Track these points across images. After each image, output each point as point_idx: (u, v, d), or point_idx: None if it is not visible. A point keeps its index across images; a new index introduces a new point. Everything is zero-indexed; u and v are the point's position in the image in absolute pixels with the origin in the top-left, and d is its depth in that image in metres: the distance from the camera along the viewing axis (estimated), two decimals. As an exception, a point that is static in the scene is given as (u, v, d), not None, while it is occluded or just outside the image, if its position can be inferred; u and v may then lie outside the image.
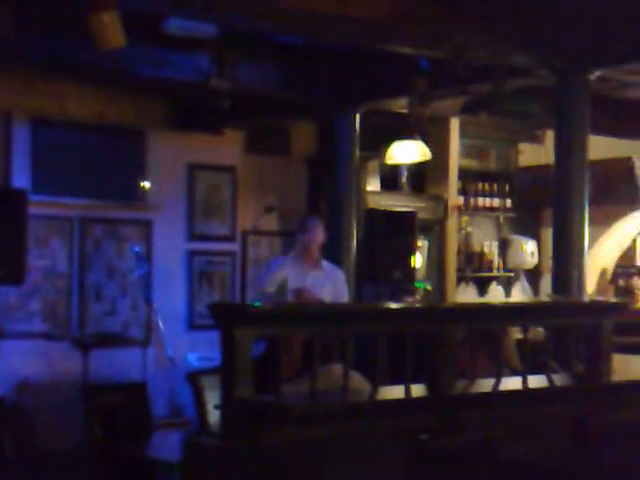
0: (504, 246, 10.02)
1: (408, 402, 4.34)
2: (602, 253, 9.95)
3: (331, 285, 6.58)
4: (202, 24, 6.12)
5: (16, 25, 5.84)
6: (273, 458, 3.94)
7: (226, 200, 8.88)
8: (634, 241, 10.31)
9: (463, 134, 9.49)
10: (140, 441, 5.63)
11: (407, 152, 7.75)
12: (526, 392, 4.73)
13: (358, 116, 7.83)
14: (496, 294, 10.01)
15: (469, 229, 9.88)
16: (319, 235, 6.69)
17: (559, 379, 4.97)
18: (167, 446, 5.71)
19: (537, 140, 9.93)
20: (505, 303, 8.01)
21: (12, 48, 6.13)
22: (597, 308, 5.43)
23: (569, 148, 6.27)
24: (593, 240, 7.13)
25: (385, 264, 8.54)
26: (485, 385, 4.67)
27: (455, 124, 9.33)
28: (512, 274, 10.14)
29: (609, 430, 4.92)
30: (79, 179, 8.04)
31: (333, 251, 7.45)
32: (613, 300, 7.49)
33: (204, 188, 8.77)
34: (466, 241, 9.86)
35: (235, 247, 8.93)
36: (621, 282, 10.25)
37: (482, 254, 9.94)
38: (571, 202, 6.25)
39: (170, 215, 8.54)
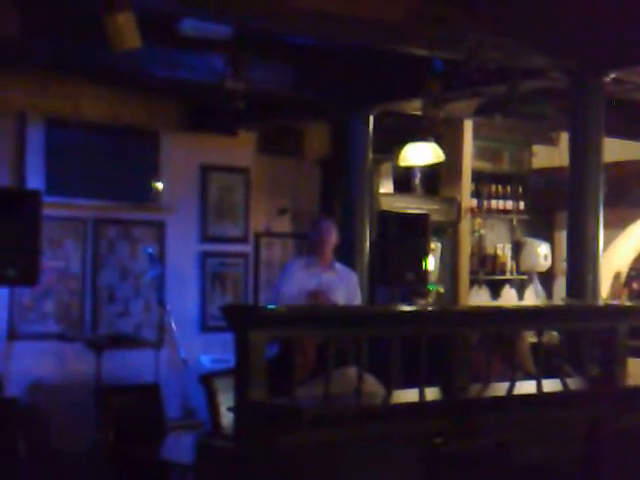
0: (517, 249, 9.99)
1: (422, 405, 4.32)
2: (616, 256, 9.92)
3: (344, 287, 6.57)
4: (216, 25, 6.12)
5: (25, 25, 5.85)
6: (286, 461, 3.93)
7: (239, 201, 8.88)
8: (648, 244, 10.27)
9: (476, 136, 9.47)
10: (153, 443, 5.63)
11: (420, 154, 7.72)
12: (540, 396, 4.70)
13: (372, 118, 7.82)
14: (509, 297, 9.98)
15: (482, 231, 9.86)
16: (332, 237, 6.67)
17: (573, 383, 4.95)
18: (180, 448, 5.71)
19: (551, 142, 9.89)
20: (519, 306, 7.98)
21: (20, 48, 6.14)
22: (612, 312, 5.40)
23: (584, 150, 6.25)
24: (607, 243, 7.10)
25: (398, 266, 8.52)
26: (499, 389, 4.65)
27: (468, 126, 9.31)
28: (525, 277, 10.11)
29: (624, 434, 4.89)
30: (93, 180, 8.06)
31: (346, 253, 7.43)
32: (628, 304, 7.45)
33: (217, 189, 8.77)
34: (479, 244, 9.84)
35: (248, 249, 8.93)
36: (635, 285, 10.21)
37: (495, 257, 9.92)
38: (586, 205, 6.23)
39: (183, 216, 8.54)
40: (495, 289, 9.94)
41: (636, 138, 9.09)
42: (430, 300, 8.90)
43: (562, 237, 9.20)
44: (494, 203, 9.89)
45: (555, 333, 5.43)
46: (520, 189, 10.04)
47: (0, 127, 7.65)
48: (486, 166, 9.87)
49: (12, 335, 7.60)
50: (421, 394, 4.32)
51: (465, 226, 9.52)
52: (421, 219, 8.89)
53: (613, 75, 6.17)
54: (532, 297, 10.19)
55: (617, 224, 9.30)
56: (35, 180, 7.69)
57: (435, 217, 9.09)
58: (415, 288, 8.66)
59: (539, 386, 4.70)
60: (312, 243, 6.76)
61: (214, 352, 8.06)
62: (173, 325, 7.90)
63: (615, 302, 8.91)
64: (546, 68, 6.25)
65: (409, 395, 4.37)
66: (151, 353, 7.70)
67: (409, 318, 4.61)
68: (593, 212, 6.21)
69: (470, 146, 9.45)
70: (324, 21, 5.56)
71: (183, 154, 8.51)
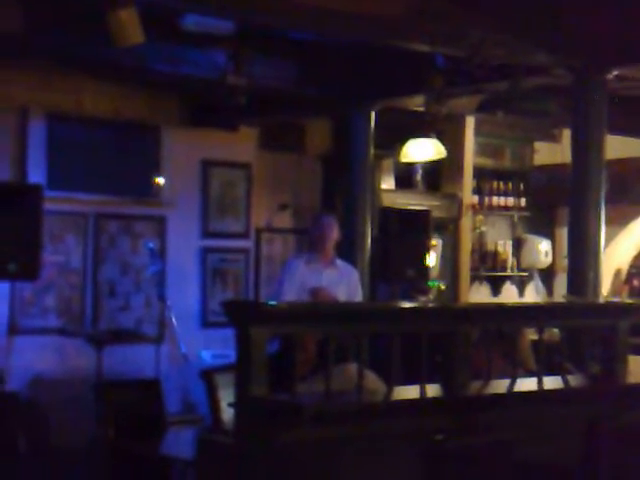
0: (518, 245, 9.99)
1: (423, 402, 4.32)
2: (617, 253, 9.91)
3: (346, 284, 6.55)
4: (218, 21, 6.11)
5: (28, 21, 5.85)
6: (287, 457, 3.93)
7: (240, 197, 8.87)
8: (649, 241, 10.26)
9: (478, 132, 9.46)
10: (153, 438, 5.62)
11: (422, 150, 7.72)
12: (541, 393, 4.70)
13: (373, 114, 7.81)
14: (510, 293, 9.99)
15: (483, 228, 9.85)
16: (333, 233, 6.65)
17: (574, 380, 4.95)
18: (180, 444, 5.71)
19: (553, 139, 9.89)
20: (520, 304, 7.98)
21: (23, 43, 6.13)
22: (613, 309, 5.40)
23: (586, 147, 6.24)
24: (608, 240, 7.09)
25: (399, 263, 8.52)
26: (500, 386, 4.65)
27: (470, 122, 9.30)
28: (526, 274, 10.11)
29: (624, 431, 4.89)
30: (94, 175, 8.05)
31: (347, 249, 7.43)
32: (629, 301, 7.44)
33: (218, 185, 8.76)
34: (480, 240, 9.84)
35: (249, 244, 8.92)
36: (636, 282, 10.21)
37: (496, 253, 9.91)
38: (587, 202, 6.22)
39: (184, 212, 8.54)
40: (496, 286, 9.94)
41: (638, 135, 9.08)
42: (431, 296, 8.90)
43: (563, 234, 9.19)
44: (495, 200, 9.88)
45: (556, 330, 5.42)
46: (521, 186, 10.04)
47: (2, 122, 7.64)
48: (488, 162, 9.86)
49: (13, 330, 7.60)
50: (422, 391, 4.32)
51: (466, 222, 9.51)
52: (422, 215, 8.89)
53: (616, 72, 6.16)
54: (533, 294, 10.19)
55: (618, 221, 9.29)
56: (36, 174, 7.69)
57: (436, 213, 9.09)
58: (416, 284, 8.66)
59: (540, 383, 4.70)
60: (313, 239, 6.75)
61: (214, 347, 8.06)
62: (174, 320, 7.90)
63: (616, 299, 8.91)
64: (549, 65, 6.24)
65: (410, 392, 4.37)
66: (152, 348, 7.70)
67: (410, 315, 4.61)
68: (595, 209, 6.21)
69: (472, 142, 9.44)
70: (326, 17, 5.55)
71: (184, 149, 8.51)
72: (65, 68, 7.32)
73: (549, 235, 10.16)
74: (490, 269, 9.85)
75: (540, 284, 10.21)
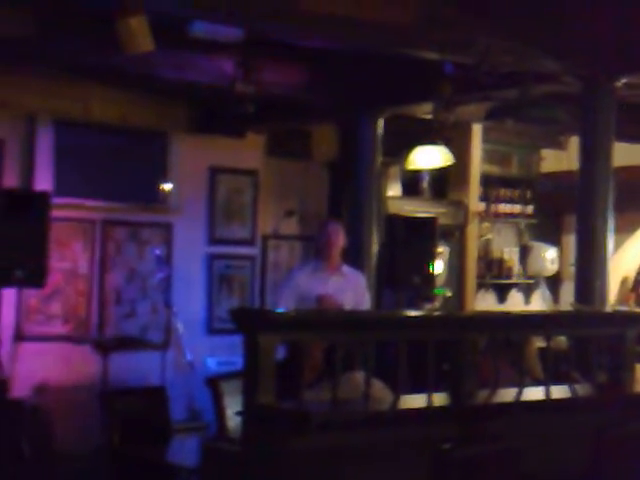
0: (524, 253, 9.97)
1: (430, 411, 4.31)
2: (624, 261, 9.88)
3: (352, 291, 6.54)
4: (227, 28, 6.10)
5: (39, 28, 5.85)
6: (294, 465, 3.92)
7: (247, 204, 8.87)
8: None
9: (485, 140, 9.45)
10: (158, 446, 5.61)
11: (429, 157, 7.71)
12: (549, 402, 4.69)
13: (381, 121, 7.80)
14: (516, 301, 9.96)
15: (490, 235, 9.84)
16: (339, 240, 6.64)
17: (582, 389, 4.93)
18: (185, 451, 5.69)
19: (559, 146, 9.87)
20: (527, 312, 7.96)
21: (34, 50, 6.14)
22: (621, 318, 5.39)
23: (594, 155, 6.23)
24: (615, 248, 7.06)
25: (405, 270, 8.49)
26: (507, 394, 4.64)
27: (477, 130, 9.29)
28: (532, 281, 10.08)
29: (631, 440, 4.87)
30: (101, 181, 8.05)
31: (353, 256, 7.41)
32: (636, 310, 7.43)
33: (225, 191, 8.76)
34: (486, 247, 9.82)
35: (255, 251, 8.91)
36: (643, 291, 10.17)
37: (502, 261, 9.89)
38: (595, 209, 6.21)
39: (191, 218, 8.54)
40: (502, 293, 9.92)
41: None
42: (436, 304, 8.88)
43: (570, 241, 9.18)
44: (502, 207, 9.86)
45: (562, 338, 5.41)
46: (528, 193, 10.02)
47: (10, 128, 7.65)
48: (494, 170, 9.84)
49: (19, 336, 7.59)
50: (429, 400, 4.31)
51: (472, 230, 9.50)
52: (428, 222, 8.85)
53: (625, 80, 6.15)
54: (539, 301, 10.17)
55: (626, 229, 9.26)
56: (44, 181, 7.69)
57: (442, 220, 9.06)
58: (422, 292, 8.63)
59: (547, 392, 4.69)
60: (319, 246, 6.73)
61: (220, 354, 8.05)
62: (179, 327, 7.89)
63: (622, 307, 8.89)
64: (558, 73, 6.23)
65: (417, 400, 4.36)
66: (157, 355, 7.69)
67: (416, 323, 4.60)
68: (602, 217, 6.19)
69: (479, 150, 9.43)
70: (334, 25, 5.54)
71: (192, 156, 8.51)
72: (73, 75, 7.31)
73: (555, 243, 10.14)
74: (496, 276, 9.83)
75: (546, 292, 10.19)
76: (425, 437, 4.18)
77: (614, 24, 5.82)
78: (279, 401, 3.97)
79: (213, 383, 5.86)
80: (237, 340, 4.09)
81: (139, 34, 5.08)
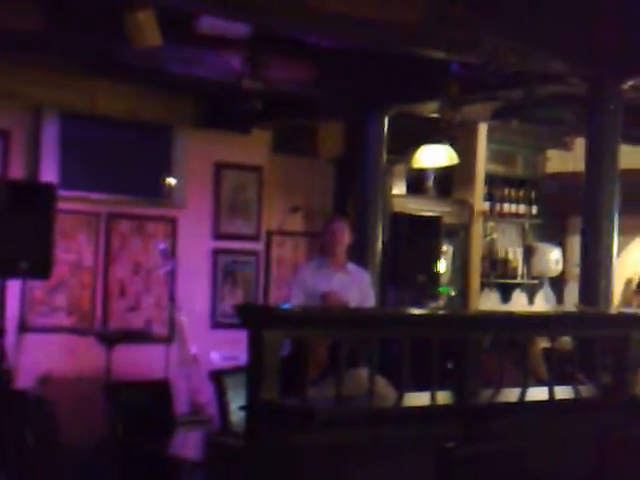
0: (529, 253, 9.96)
1: (434, 409, 4.32)
2: (628, 263, 9.88)
3: (357, 288, 6.55)
4: (234, 24, 6.11)
5: (48, 21, 5.86)
6: (297, 461, 3.93)
7: (252, 199, 8.88)
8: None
9: (490, 139, 9.45)
10: (162, 439, 5.62)
11: (434, 156, 7.72)
12: (552, 402, 4.70)
13: (387, 119, 7.80)
14: (519, 301, 9.97)
15: (494, 235, 9.84)
16: (344, 238, 6.65)
17: (586, 390, 4.94)
18: (189, 444, 5.71)
19: (565, 147, 9.87)
20: (531, 312, 7.97)
21: (43, 43, 6.15)
22: (625, 320, 5.39)
23: (600, 157, 6.23)
24: (620, 249, 7.07)
25: (409, 268, 8.51)
26: (511, 394, 4.65)
27: (483, 129, 9.29)
28: (536, 281, 10.08)
29: (635, 441, 4.88)
30: (107, 175, 8.06)
31: (358, 254, 7.42)
32: (640, 311, 7.43)
33: (230, 187, 8.77)
34: (490, 247, 9.82)
35: (259, 247, 8.93)
36: (646, 292, 10.16)
37: (506, 260, 9.89)
38: (601, 211, 6.21)
39: (195, 213, 8.55)
40: (506, 293, 9.92)
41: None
42: (440, 303, 8.89)
43: (574, 242, 9.17)
44: (506, 207, 9.86)
45: (567, 339, 5.41)
46: (533, 193, 10.02)
47: (16, 120, 7.66)
48: (499, 169, 9.84)
49: (23, 327, 7.59)
50: (432, 398, 4.32)
51: (477, 229, 9.50)
52: (433, 221, 8.87)
53: (632, 82, 6.15)
54: (542, 302, 10.17)
55: (631, 231, 9.24)
56: (49, 173, 7.70)
57: (447, 219, 9.07)
58: (426, 290, 8.65)
59: (551, 393, 4.70)
60: (324, 243, 6.74)
61: (224, 349, 8.06)
62: (184, 321, 7.91)
63: (626, 309, 8.89)
64: (564, 74, 6.23)
65: (420, 398, 4.37)
66: (161, 348, 7.70)
67: (420, 321, 4.61)
68: (608, 218, 6.20)
69: (484, 149, 9.43)
70: (342, 22, 5.54)
71: (197, 151, 8.52)
72: (80, 67, 7.32)
73: (560, 243, 10.14)
74: (500, 276, 9.83)
75: (550, 292, 10.19)
76: (429, 435, 4.20)
77: (621, 26, 5.82)
78: (283, 397, 3.98)
79: (217, 377, 5.86)
80: (241, 335, 4.10)
81: (147, 28, 5.10)
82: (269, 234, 8.96)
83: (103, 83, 7.80)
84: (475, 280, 9.48)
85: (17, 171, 7.63)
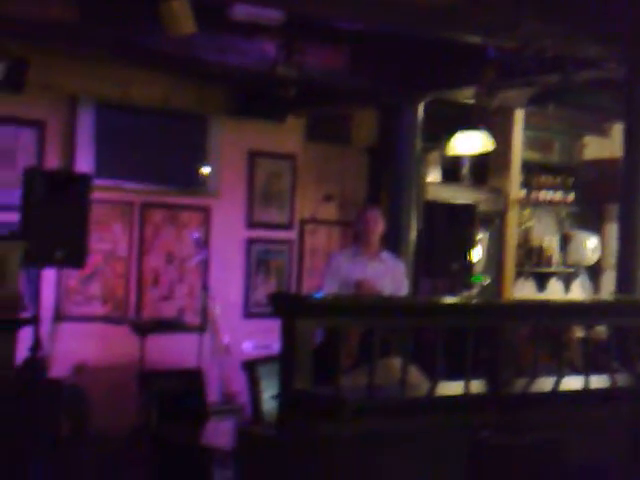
0: (565, 241, 9.86)
1: (467, 398, 4.27)
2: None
3: (391, 276, 6.51)
4: (269, 10, 6.08)
5: (84, 12, 5.87)
6: (329, 451, 3.91)
7: (285, 188, 8.86)
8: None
9: (527, 126, 9.33)
10: (194, 428, 5.63)
11: (469, 143, 7.64)
12: (588, 392, 4.64)
13: (422, 105, 7.73)
14: (555, 290, 9.87)
15: (530, 223, 9.74)
16: (378, 226, 6.61)
17: (621, 379, 4.87)
18: (220, 434, 5.71)
19: (603, 133, 9.73)
20: (567, 301, 7.88)
21: (78, 33, 6.16)
22: (663, 308, 5.30)
23: (638, 142, 6.12)
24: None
25: (443, 257, 8.46)
26: (546, 383, 4.59)
27: (519, 115, 9.18)
28: (572, 270, 9.97)
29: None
30: (141, 164, 8.08)
31: (392, 243, 7.38)
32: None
33: (264, 175, 8.76)
34: (526, 235, 9.73)
35: (293, 235, 8.91)
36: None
37: (542, 249, 9.80)
38: (638, 198, 6.11)
39: (229, 202, 8.55)
40: (541, 282, 9.83)
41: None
42: (474, 291, 8.82)
43: (611, 230, 9.05)
44: (543, 194, 9.76)
45: (602, 328, 5.34)
46: (570, 180, 9.90)
47: (52, 110, 7.69)
48: (536, 156, 9.73)
49: (58, 316, 7.66)
50: (466, 387, 4.27)
51: (512, 217, 9.40)
52: (468, 209, 8.81)
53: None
54: (579, 291, 10.06)
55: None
56: (85, 163, 7.74)
57: (482, 207, 9.00)
58: (459, 279, 8.59)
59: (586, 382, 4.63)
60: (358, 232, 6.72)
61: (257, 338, 8.06)
62: (217, 310, 7.91)
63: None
64: (602, 58, 6.13)
65: (454, 387, 4.33)
66: (194, 338, 7.72)
67: (454, 310, 4.56)
68: (646, 206, 6.10)
69: (520, 136, 9.31)
70: (377, 6, 5.49)
71: (231, 139, 8.51)
72: (115, 57, 7.34)
73: (597, 231, 10.01)
74: (536, 265, 9.74)
75: (587, 281, 10.08)
76: (462, 424, 4.16)
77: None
78: (315, 386, 3.96)
79: (249, 366, 5.86)
80: (274, 324, 4.08)
81: (181, 16, 5.10)
82: (302, 223, 8.94)
83: (137, 73, 7.81)
84: (510, 269, 9.39)
85: (53, 161, 7.67)
